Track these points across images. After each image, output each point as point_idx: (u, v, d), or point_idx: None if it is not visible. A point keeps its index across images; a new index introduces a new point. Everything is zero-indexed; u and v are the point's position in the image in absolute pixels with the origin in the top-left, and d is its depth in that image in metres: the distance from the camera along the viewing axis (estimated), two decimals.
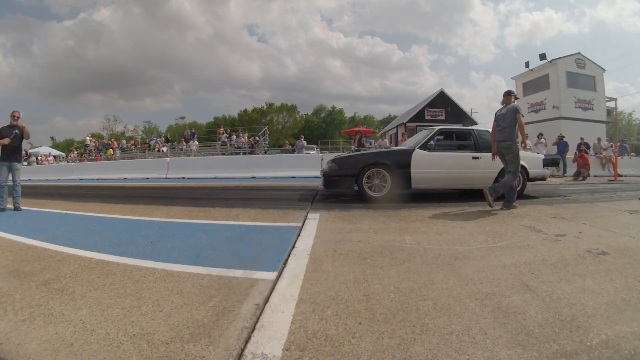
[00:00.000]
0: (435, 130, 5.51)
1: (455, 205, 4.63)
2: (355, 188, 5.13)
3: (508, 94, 4.59)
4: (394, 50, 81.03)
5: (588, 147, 12.21)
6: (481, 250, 2.63)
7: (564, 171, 11.60)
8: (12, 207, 5.15)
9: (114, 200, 6.09)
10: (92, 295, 1.93)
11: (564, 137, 12.39)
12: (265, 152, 16.72)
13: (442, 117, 22.94)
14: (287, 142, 20.59)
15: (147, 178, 12.02)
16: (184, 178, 11.63)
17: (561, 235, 3.03)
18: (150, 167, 12.94)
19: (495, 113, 4.64)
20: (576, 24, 78.40)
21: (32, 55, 66.98)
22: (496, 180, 5.23)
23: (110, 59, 66.61)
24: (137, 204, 5.48)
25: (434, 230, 3.26)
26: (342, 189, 5.35)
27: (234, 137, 17.66)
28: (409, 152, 5.16)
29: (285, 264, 2.37)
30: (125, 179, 12.36)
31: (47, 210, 5.22)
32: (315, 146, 22.92)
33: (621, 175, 10.52)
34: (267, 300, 1.81)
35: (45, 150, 25.18)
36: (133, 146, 19.93)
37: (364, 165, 5.01)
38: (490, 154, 5.14)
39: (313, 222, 3.64)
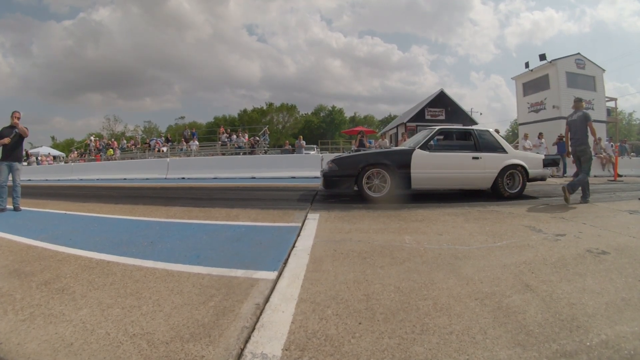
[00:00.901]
0: (435, 130, 5.52)
1: (455, 206, 4.63)
2: (355, 188, 5.13)
3: (579, 101, 5.32)
4: (394, 50, 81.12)
5: None
6: (481, 250, 2.63)
7: (564, 171, 11.59)
8: (11, 207, 5.15)
9: (114, 200, 6.09)
10: (92, 295, 1.93)
11: (564, 137, 12.37)
12: (265, 152, 16.73)
13: (442, 117, 22.96)
14: (287, 142, 20.60)
15: (147, 178, 12.02)
16: (183, 178, 11.64)
17: (561, 235, 3.03)
18: (150, 167, 12.94)
19: (567, 118, 5.35)
20: (577, 23, 78.50)
21: (32, 55, 67.08)
22: (495, 181, 5.26)
23: (110, 58, 66.74)
24: (137, 204, 5.48)
25: (434, 230, 3.26)
26: (342, 189, 5.35)
27: (234, 137, 17.66)
28: (408, 152, 5.16)
29: (285, 263, 2.37)
30: (125, 179, 12.37)
31: (47, 210, 5.22)
32: (315, 146, 22.91)
33: (621, 176, 10.52)
34: (267, 300, 1.81)
35: (45, 150, 25.21)
36: (133, 146, 19.94)
37: (363, 166, 5.01)
38: (490, 154, 5.30)
39: (313, 222, 3.64)
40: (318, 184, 6.50)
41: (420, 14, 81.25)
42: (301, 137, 16.79)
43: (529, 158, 5.61)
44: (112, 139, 23.89)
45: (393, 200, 4.86)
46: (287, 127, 48.72)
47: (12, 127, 5.19)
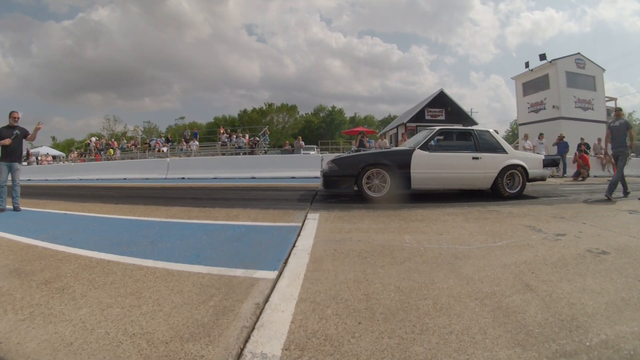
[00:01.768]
0: (435, 130, 5.52)
1: (455, 205, 4.63)
2: (355, 188, 5.13)
3: (619, 110, 6.48)
4: (394, 50, 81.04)
5: (588, 147, 12.21)
6: (481, 249, 2.63)
7: (564, 171, 11.60)
8: (11, 207, 5.15)
9: (114, 200, 6.09)
10: (92, 294, 1.93)
11: (564, 137, 12.38)
12: (265, 153, 16.73)
13: (442, 117, 22.93)
14: (287, 142, 20.59)
15: (147, 178, 12.02)
16: (183, 178, 11.64)
17: (561, 235, 3.03)
18: (150, 167, 12.94)
19: (609, 123, 6.12)
20: (577, 23, 78.47)
21: (31, 55, 67.11)
22: (495, 181, 5.26)
23: (109, 58, 66.76)
24: (137, 204, 5.48)
25: (434, 230, 3.26)
26: (341, 190, 5.35)
27: (234, 137, 17.66)
28: (408, 153, 5.16)
29: (285, 263, 2.37)
30: (125, 179, 12.37)
31: (47, 210, 5.22)
32: (315, 146, 22.90)
33: None
34: (267, 300, 1.81)
35: (45, 150, 25.22)
36: (133, 146, 19.93)
37: (363, 166, 5.01)
38: (490, 154, 5.31)
39: (313, 222, 3.64)
40: (318, 184, 6.50)
41: (420, 14, 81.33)
42: (300, 137, 16.80)
43: (529, 158, 5.61)
44: (112, 139, 23.89)
45: (393, 200, 4.86)
46: (287, 127, 48.69)
47: (12, 127, 5.18)
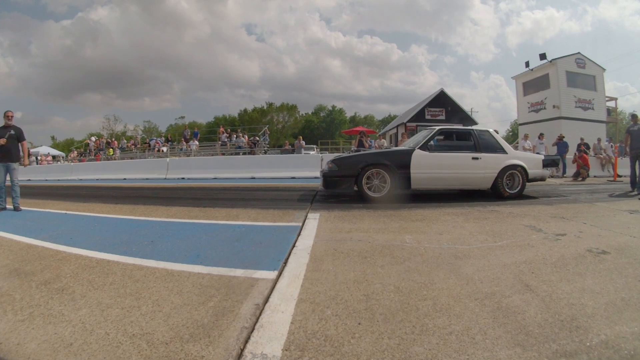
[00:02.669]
0: (435, 130, 5.52)
1: (455, 205, 4.63)
2: (355, 188, 5.13)
3: (636, 117, 6.97)
4: (393, 49, 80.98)
5: (588, 147, 12.20)
6: (481, 249, 2.63)
7: (564, 172, 11.60)
8: (11, 207, 5.15)
9: (114, 200, 6.09)
10: (92, 295, 1.93)
11: (563, 137, 12.38)
12: (265, 152, 16.72)
13: (442, 117, 22.94)
14: (287, 142, 20.59)
15: (146, 178, 12.02)
16: (183, 178, 11.63)
17: (561, 235, 3.03)
18: (150, 167, 12.94)
19: (629, 128, 7.02)
20: (578, 22, 78.33)
21: (30, 55, 67.08)
22: (495, 181, 5.26)
23: (109, 58, 66.77)
24: (137, 204, 5.48)
25: (434, 230, 3.26)
26: (341, 190, 5.35)
27: (234, 137, 17.66)
28: (408, 153, 5.16)
29: (285, 263, 2.37)
30: (125, 179, 12.37)
31: (47, 210, 5.22)
32: (315, 146, 22.90)
33: (621, 176, 10.51)
34: (267, 300, 1.81)
35: (44, 150, 25.22)
36: (133, 146, 19.93)
37: (363, 166, 5.01)
38: (490, 154, 5.31)
39: (313, 222, 3.64)
40: (318, 184, 6.50)
41: (420, 13, 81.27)
42: (301, 137, 16.80)
43: (529, 158, 5.61)
44: (112, 139, 23.87)
45: (393, 200, 4.86)
46: (287, 127, 48.69)
47: (6, 127, 5.13)
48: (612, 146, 12.96)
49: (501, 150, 5.39)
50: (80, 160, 18.46)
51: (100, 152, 18.65)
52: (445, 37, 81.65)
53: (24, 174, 15.29)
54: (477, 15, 78.72)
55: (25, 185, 8.44)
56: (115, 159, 17.18)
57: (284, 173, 10.77)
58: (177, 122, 48.47)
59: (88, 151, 19.85)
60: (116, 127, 43.36)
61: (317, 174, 7.92)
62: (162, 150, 17.39)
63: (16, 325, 1.59)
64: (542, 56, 17.94)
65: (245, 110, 51.31)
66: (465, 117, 22.85)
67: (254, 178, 10.73)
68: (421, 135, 5.74)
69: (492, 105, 75.50)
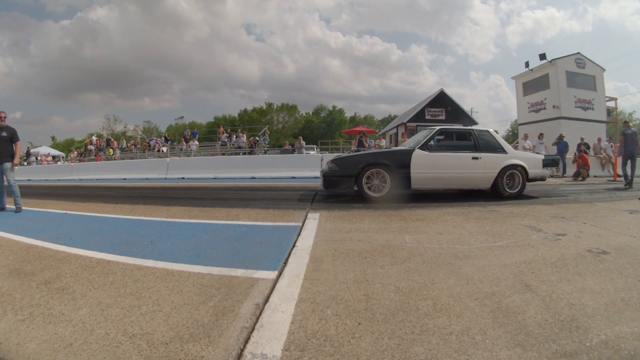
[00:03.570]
0: (435, 130, 5.52)
1: (455, 205, 4.63)
2: (355, 188, 5.13)
3: (627, 122, 8.50)
4: (393, 49, 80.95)
5: (588, 147, 12.20)
6: (481, 249, 2.63)
7: (564, 171, 11.60)
8: (11, 207, 5.13)
9: (114, 200, 6.09)
10: (92, 294, 1.93)
11: (563, 137, 12.39)
12: (265, 152, 16.72)
13: (442, 117, 22.95)
14: (287, 142, 20.60)
15: (146, 178, 12.02)
16: (183, 178, 11.63)
17: (561, 235, 3.03)
18: (150, 167, 12.94)
19: (624, 131, 8.00)
20: (579, 22, 78.27)
21: (29, 55, 67.07)
22: (495, 181, 5.26)
23: (108, 58, 66.74)
24: (137, 204, 5.48)
25: (434, 230, 3.26)
26: (341, 190, 5.35)
27: (234, 137, 17.66)
28: (408, 153, 5.16)
29: (285, 263, 2.37)
30: (125, 179, 12.37)
31: (47, 210, 5.21)
32: (315, 146, 22.91)
33: (620, 176, 10.52)
34: (267, 300, 1.81)
35: (44, 150, 25.22)
36: (133, 146, 19.94)
37: (363, 166, 5.01)
38: (490, 154, 5.32)
39: (313, 221, 3.64)
40: (318, 184, 6.50)
41: (420, 13, 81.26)
42: (301, 137, 16.81)
43: (529, 158, 5.61)
44: (112, 139, 23.89)
45: (393, 200, 4.86)
46: (287, 127, 48.70)
47: None
48: (612, 146, 12.95)
49: (501, 150, 5.39)
50: (80, 161, 18.46)
51: (100, 152, 18.65)
52: (445, 37, 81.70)
53: (24, 174, 15.25)
54: (477, 15, 78.75)
55: (26, 185, 8.45)
56: (115, 159, 17.19)
57: (284, 173, 10.77)
58: (177, 122, 48.49)
59: (88, 152, 19.85)
60: (116, 127, 43.39)
61: (317, 173, 7.93)
62: (162, 150, 17.41)
63: (16, 325, 1.60)
64: (542, 56, 17.94)
65: (245, 111, 51.35)
66: (465, 117, 22.85)
67: (254, 178, 10.73)
68: (421, 135, 5.74)
69: (492, 105, 75.52)
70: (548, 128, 15.98)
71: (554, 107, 17.77)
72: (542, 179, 5.84)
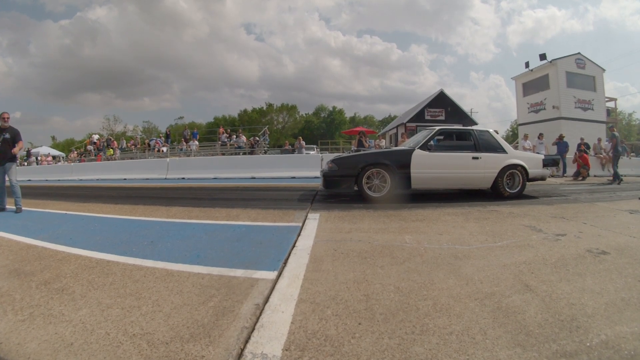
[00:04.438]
0: (435, 130, 5.52)
1: (455, 205, 4.63)
2: (355, 188, 5.14)
3: (612, 126, 10.48)
4: (393, 49, 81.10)
5: (588, 147, 12.21)
6: (481, 249, 2.63)
7: (564, 171, 11.60)
8: (11, 207, 5.13)
9: (113, 200, 6.09)
10: (92, 295, 1.93)
11: (564, 137, 12.39)
12: (265, 152, 16.73)
13: (442, 117, 22.96)
14: (287, 142, 20.60)
15: (147, 178, 12.02)
16: (183, 178, 11.63)
17: (561, 235, 3.03)
18: (150, 168, 12.94)
19: (614, 134, 9.39)
20: (579, 21, 78.26)
21: (29, 55, 67.14)
22: (495, 180, 5.26)
23: (108, 58, 66.88)
24: (137, 204, 5.48)
25: (434, 230, 3.26)
26: (341, 190, 5.35)
27: (234, 137, 17.66)
28: (408, 153, 5.16)
29: (285, 263, 2.37)
30: (125, 179, 12.37)
31: (47, 210, 5.22)
32: (315, 146, 22.92)
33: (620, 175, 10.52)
34: (267, 300, 1.81)
35: (45, 150, 25.23)
36: (133, 146, 19.94)
37: (363, 166, 5.01)
38: (490, 154, 5.32)
39: (313, 222, 3.64)
40: (318, 184, 6.51)
41: (420, 12, 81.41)
42: (301, 137, 16.82)
43: (529, 158, 5.61)
44: (112, 139, 23.89)
45: (393, 200, 4.86)
46: (287, 127, 48.71)
47: (2, 129, 5.04)
48: (612, 146, 12.95)
49: (501, 150, 5.40)
50: (80, 161, 18.46)
51: (100, 152, 18.66)
52: (445, 36, 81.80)
53: (25, 175, 15.25)
54: (477, 14, 78.85)
55: (26, 185, 8.45)
56: (115, 159, 17.19)
57: (284, 173, 10.78)
58: (177, 123, 48.48)
59: (88, 152, 19.85)
60: (116, 127, 43.39)
61: (317, 173, 7.93)
62: (162, 151, 17.40)
63: (16, 325, 1.60)
64: (542, 56, 17.96)
65: (245, 111, 51.40)
66: (465, 118, 22.86)
67: (254, 178, 10.73)
68: (421, 135, 5.74)
69: (492, 105, 75.57)
70: (548, 128, 15.99)
71: (553, 107, 17.79)
72: (543, 178, 5.84)
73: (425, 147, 5.23)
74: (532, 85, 19.69)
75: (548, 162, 5.84)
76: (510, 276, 2.09)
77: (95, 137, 21.69)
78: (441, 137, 5.68)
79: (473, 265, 2.28)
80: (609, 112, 20.25)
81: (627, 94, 59.67)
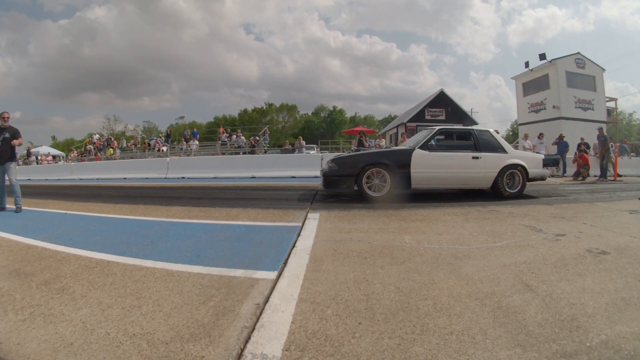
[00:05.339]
0: (435, 130, 5.52)
1: (455, 205, 4.63)
2: (355, 188, 5.14)
3: (602, 129, 11.10)
4: (393, 48, 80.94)
5: (588, 147, 12.20)
6: (481, 249, 2.63)
7: (564, 171, 11.60)
8: (11, 207, 5.13)
9: (114, 200, 6.09)
10: (92, 295, 1.93)
11: (564, 136, 12.39)
12: (265, 152, 16.73)
13: (442, 117, 22.95)
14: (287, 142, 20.61)
15: (147, 178, 12.02)
16: (183, 178, 11.64)
17: (561, 235, 3.03)
18: (150, 167, 12.94)
19: (606, 135, 10.58)
20: (580, 21, 78.12)
21: (28, 54, 67.06)
22: (495, 180, 5.26)
23: (107, 57, 66.73)
24: (137, 203, 5.48)
25: (434, 230, 3.26)
26: (342, 189, 5.35)
27: (234, 137, 17.67)
28: (409, 152, 5.16)
29: (285, 263, 2.37)
30: (125, 178, 12.37)
31: (47, 210, 5.22)
32: (315, 146, 22.93)
33: (621, 175, 10.53)
34: (267, 300, 1.81)
35: (45, 149, 25.23)
36: (133, 146, 19.94)
37: (363, 165, 5.01)
38: (490, 154, 5.32)
39: (313, 221, 3.64)
40: (318, 183, 6.50)
41: (420, 12, 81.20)
42: (301, 137, 16.82)
43: (529, 158, 5.61)
44: (112, 139, 23.89)
45: (393, 200, 4.86)
46: (287, 127, 48.71)
47: (2, 128, 5.04)
48: (612, 146, 12.94)
49: (501, 149, 5.40)
50: (80, 160, 18.46)
51: (100, 152, 18.66)
52: (445, 36, 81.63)
53: (24, 174, 15.24)
54: (477, 14, 78.65)
55: (26, 185, 8.44)
56: (115, 159, 17.18)
57: (284, 172, 10.77)
58: (177, 122, 48.47)
59: (88, 151, 19.85)
60: (116, 127, 43.38)
61: (317, 173, 7.92)
62: (162, 150, 17.40)
63: (17, 325, 1.60)
64: (542, 56, 17.94)
65: (245, 111, 51.41)
66: (466, 117, 22.85)
67: (254, 177, 10.73)
68: (421, 135, 5.74)
69: (493, 105, 75.45)
70: (548, 128, 15.98)
71: (554, 107, 17.78)
72: (543, 178, 5.84)
73: (425, 146, 5.23)
74: (532, 85, 19.68)
75: (548, 162, 5.83)
76: (510, 276, 2.09)
77: (96, 136, 21.69)
78: (441, 137, 5.67)
79: (473, 265, 2.28)
80: (610, 112, 20.22)
81: (627, 93, 59.62)
